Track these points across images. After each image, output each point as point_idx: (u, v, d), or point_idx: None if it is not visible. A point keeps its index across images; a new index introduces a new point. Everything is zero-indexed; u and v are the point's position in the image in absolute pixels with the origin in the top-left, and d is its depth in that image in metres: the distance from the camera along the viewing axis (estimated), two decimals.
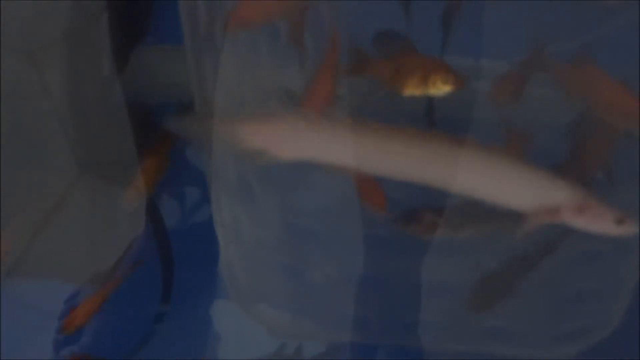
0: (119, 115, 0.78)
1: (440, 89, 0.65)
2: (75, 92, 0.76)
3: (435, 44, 0.68)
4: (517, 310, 0.72)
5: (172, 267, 0.78)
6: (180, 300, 0.78)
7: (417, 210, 0.70)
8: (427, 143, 0.63)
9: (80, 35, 0.76)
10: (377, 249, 0.71)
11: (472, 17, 0.69)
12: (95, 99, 0.78)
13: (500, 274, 0.71)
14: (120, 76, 0.78)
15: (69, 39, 0.75)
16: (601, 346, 0.72)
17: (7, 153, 0.73)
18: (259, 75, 0.70)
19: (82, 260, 0.78)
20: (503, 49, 0.70)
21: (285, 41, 0.70)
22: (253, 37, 0.69)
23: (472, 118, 0.68)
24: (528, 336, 0.73)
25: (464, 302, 0.71)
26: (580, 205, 0.62)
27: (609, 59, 0.67)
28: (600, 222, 0.62)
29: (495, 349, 0.73)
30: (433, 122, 0.71)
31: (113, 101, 0.78)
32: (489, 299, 0.71)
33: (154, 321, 0.78)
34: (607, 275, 0.71)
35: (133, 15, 0.74)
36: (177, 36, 0.69)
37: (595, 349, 0.72)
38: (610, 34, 0.67)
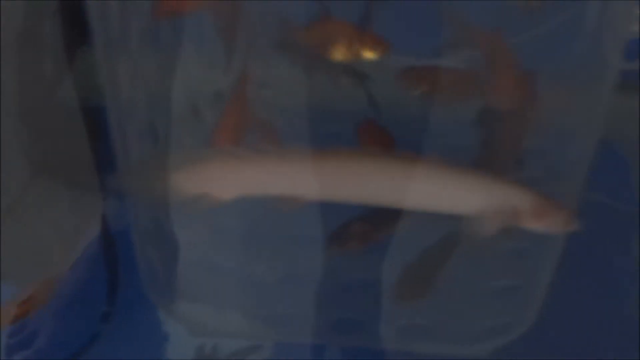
0: (70, 117, 0.78)
1: (367, 54, 0.67)
2: (26, 93, 0.76)
3: None
4: (435, 308, 0.73)
5: (117, 267, 0.79)
6: (126, 302, 0.79)
7: (345, 225, 0.71)
8: (374, 163, 0.64)
9: (31, 35, 0.76)
10: (298, 246, 0.72)
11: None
12: (45, 100, 0.78)
13: (422, 265, 0.72)
14: (68, 76, 0.79)
15: (21, 40, 0.75)
16: (518, 343, 0.74)
17: None
18: (184, 75, 0.71)
19: (34, 262, 0.78)
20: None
21: (215, 35, 0.70)
22: (177, 36, 0.69)
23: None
24: (446, 334, 0.74)
25: (389, 294, 0.72)
26: (538, 209, 0.64)
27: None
28: (554, 226, 0.65)
29: (415, 347, 0.74)
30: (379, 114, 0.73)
31: (63, 102, 0.78)
32: (412, 290, 0.72)
33: (101, 320, 0.78)
34: (524, 273, 0.73)
35: (78, 15, 0.74)
36: None
37: (512, 346, 0.74)
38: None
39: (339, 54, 0.67)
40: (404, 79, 0.71)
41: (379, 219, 0.71)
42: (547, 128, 0.71)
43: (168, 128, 0.70)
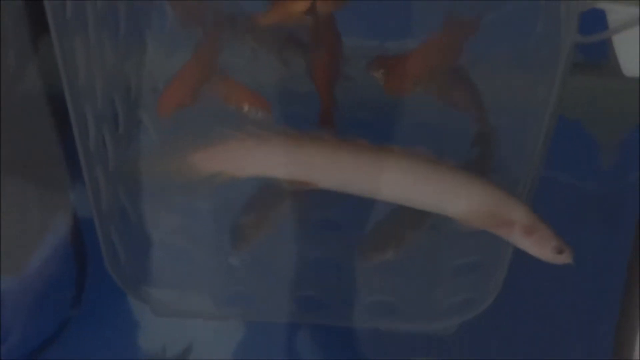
0: (36, 107, 0.78)
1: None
2: None
3: None
4: (399, 285, 0.75)
5: (85, 255, 0.80)
6: (95, 288, 0.80)
7: (376, 230, 0.72)
8: (383, 157, 0.64)
9: None
10: None
11: None
12: (8, 92, 0.78)
13: (392, 223, 0.73)
14: (32, 66, 0.79)
15: None
16: (480, 319, 0.74)
17: None
18: (143, 58, 0.72)
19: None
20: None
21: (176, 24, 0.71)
22: (135, 20, 0.70)
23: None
24: (411, 311, 0.75)
25: (358, 251, 0.73)
26: (530, 226, 0.64)
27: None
28: (542, 248, 0.64)
29: (380, 324, 0.76)
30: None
31: (28, 93, 0.79)
32: (381, 247, 0.73)
33: (70, 307, 0.79)
34: (485, 249, 0.73)
35: (41, 3, 0.74)
36: None
37: (475, 322, 0.74)
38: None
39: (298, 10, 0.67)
40: (372, 68, 0.72)
41: (405, 218, 0.72)
42: (502, 109, 0.72)
43: (128, 110, 0.71)
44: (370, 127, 0.74)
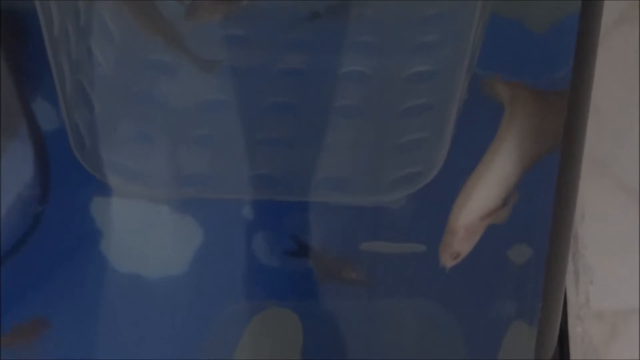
0: None
1: None
2: None
3: None
4: (349, 160, 0.78)
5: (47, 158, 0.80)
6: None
7: None
8: None
9: None
10: (216, 110, 0.76)
11: None
12: None
13: None
14: None
15: None
16: (427, 189, 0.79)
17: None
18: None
19: None
20: None
21: None
22: None
23: None
24: (360, 185, 0.79)
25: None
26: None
27: None
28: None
29: (330, 198, 0.79)
30: None
31: None
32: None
33: (38, 203, 0.80)
34: (432, 124, 0.77)
35: None
36: None
37: (421, 193, 0.79)
38: None
39: None
40: None
41: None
42: None
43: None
44: None
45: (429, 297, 0.84)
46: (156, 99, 0.76)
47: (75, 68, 0.72)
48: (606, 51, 0.93)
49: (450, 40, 0.77)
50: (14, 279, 0.81)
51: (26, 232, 0.80)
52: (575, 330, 0.97)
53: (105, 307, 0.84)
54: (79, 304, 0.83)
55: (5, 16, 0.74)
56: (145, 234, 0.82)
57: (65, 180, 0.78)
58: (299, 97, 0.76)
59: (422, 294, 0.84)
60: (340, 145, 0.78)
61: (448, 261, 0.83)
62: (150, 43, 0.74)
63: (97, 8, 0.74)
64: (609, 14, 0.97)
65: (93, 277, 0.82)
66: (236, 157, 0.78)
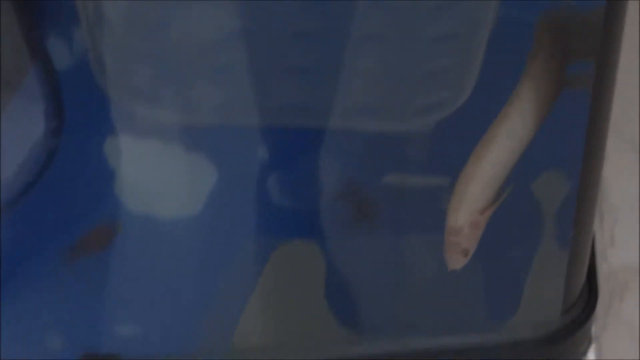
0: None
1: None
2: None
3: None
4: (376, 85, 0.76)
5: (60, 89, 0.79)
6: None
7: None
8: None
9: None
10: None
11: None
12: None
13: None
14: None
15: None
16: (454, 117, 0.78)
17: None
18: None
19: None
20: None
21: None
22: None
23: None
24: (386, 109, 0.77)
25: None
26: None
27: None
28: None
29: (355, 124, 0.78)
30: None
31: None
32: None
33: (52, 137, 0.79)
34: (461, 50, 0.76)
35: None
36: None
37: (449, 120, 0.78)
38: None
39: None
40: None
41: None
42: None
43: None
44: None
45: None
46: (177, 25, 0.74)
47: None
48: None
49: None
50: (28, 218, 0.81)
51: (42, 167, 0.79)
52: (601, 268, 0.96)
53: (118, 249, 0.84)
54: None
55: None
56: (158, 174, 0.80)
57: (78, 122, 0.77)
58: (324, 23, 0.73)
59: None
60: (367, 71, 0.76)
61: (459, 261, 0.83)
62: None
63: None
64: None
65: (105, 218, 0.82)
66: (260, 85, 0.76)
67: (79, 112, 0.77)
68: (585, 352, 0.94)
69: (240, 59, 0.74)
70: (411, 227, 0.86)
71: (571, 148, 0.81)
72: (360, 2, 0.71)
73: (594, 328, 0.95)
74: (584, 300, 0.93)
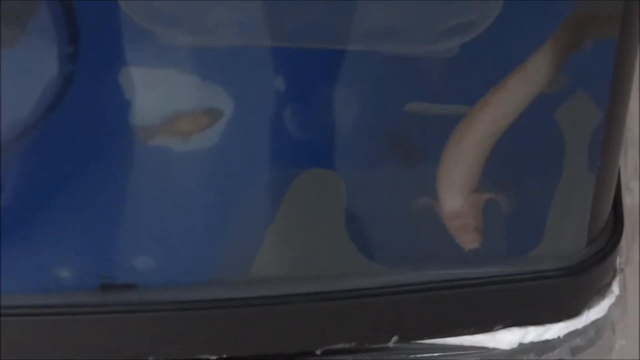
0: None
1: None
2: None
3: None
4: (401, 6, 0.74)
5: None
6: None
7: None
8: None
9: None
10: None
11: None
12: None
13: None
14: None
15: None
16: (483, 38, 0.75)
17: None
18: None
19: None
20: None
21: None
22: None
23: None
24: (411, 31, 0.76)
25: None
26: None
27: None
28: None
29: (379, 48, 0.76)
30: None
31: None
32: None
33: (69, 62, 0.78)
34: None
35: None
36: None
37: (477, 41, 0.76)
38: None
39: None
40: None
41: None
42: None
43: None
44: None
45: None
46: None
47: None
48: None
49: None
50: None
51: (58, 93, 0.77)
52: (625, 200, 0.95)
53: (135, 180, 0.83)
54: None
55: None
56: (174, 105, 0.79)
57: (94, 51, 0.76)
58: None
59: None
60: None
61: (476, 239, 0.84)
62: None
63: None
64: None
65: (121, 149, 0.80)
66: (278, 3, 0.74)
67: (94, 38, 0.75)
68: (609, 284, 0.93)
69: None
70: (432, 153, 0.84)
71: (600, 72, 0.79)
72: None
73: (618, 260, 0.94)
74: (610, 231, 0.91)
